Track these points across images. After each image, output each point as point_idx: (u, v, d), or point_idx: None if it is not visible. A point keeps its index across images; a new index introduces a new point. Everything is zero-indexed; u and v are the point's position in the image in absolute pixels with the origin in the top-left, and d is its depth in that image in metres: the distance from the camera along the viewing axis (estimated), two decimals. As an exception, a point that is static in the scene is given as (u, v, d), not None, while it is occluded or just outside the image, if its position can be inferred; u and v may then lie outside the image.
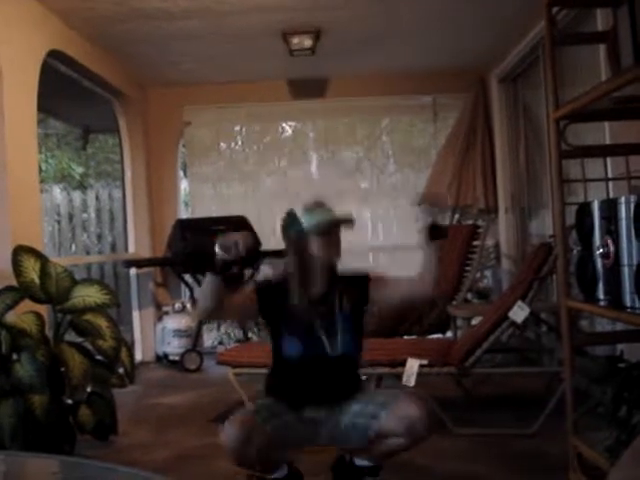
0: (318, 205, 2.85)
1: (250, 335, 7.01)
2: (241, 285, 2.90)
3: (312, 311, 2.79)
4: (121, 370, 3.90)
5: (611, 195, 3.37)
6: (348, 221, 2.87)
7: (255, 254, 2.89)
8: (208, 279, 2.66)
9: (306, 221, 2.78)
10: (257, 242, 2.73)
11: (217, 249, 2.59)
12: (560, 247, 2.94)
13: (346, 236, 2.85)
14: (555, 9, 2.94)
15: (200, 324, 5.92)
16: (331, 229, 2.80)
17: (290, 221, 2.84)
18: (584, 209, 2.74)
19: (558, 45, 3.03)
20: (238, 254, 2.58)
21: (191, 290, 6.78)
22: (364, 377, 4.52)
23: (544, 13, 2.89)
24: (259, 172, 7.17)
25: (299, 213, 2.82)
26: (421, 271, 2.81)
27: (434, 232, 2.74)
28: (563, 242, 2.91)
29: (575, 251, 2.94)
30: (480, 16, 5.20)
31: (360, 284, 2.88)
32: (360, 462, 2.87)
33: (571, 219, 2.88)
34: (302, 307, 2.78)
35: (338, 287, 2.84)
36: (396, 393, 2.85)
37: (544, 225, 5.88)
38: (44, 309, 3.87)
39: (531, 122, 6.21)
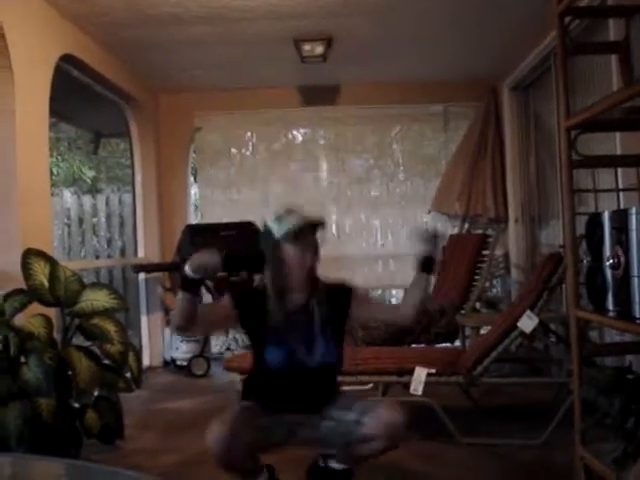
0: (288, 212, 2.83)
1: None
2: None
3: (290, 322, 2.77)
4: (128, 375, 3.90)
5: (622, 206, 3.36)
6: (319, 224, 2.84)
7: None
8: (179, 296, 2.65)
9: (277, 230, 2.77)
10: (227, 261, 2.72)
11: (187, 268, 2.59)
12: (570, 257, 2.93)
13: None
14: (567, 19, 2.93)
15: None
16: (303, 234, 2.78)
17: (263, 232, 2.84)
18: (594, 219, 2.73)
19: (570, 55, 3.03)
20: (206, 275, 2.62)
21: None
22: (370, 385, 4.54)
23: (556, 23, 2.88)
24: (269, 178, 7.17)
25: (271, 224, 2.80)
26: (407, 298, 2.85)
27: (425, 264, 2.76)
28: (573, 252, 2.90)
29: (585, 261, 2.92)
30: (492, 26, 5.20)
31: (343, 296, 2.87)
32: (335, 465, 2.88)
33: (581, 229, 2.86)
34: (280, 318, 2.77)
35: (318, 295, 2.82)
36: (372, 402, 2.89)
37: (554, 235, 5.86)
38: (52, 312, 3.87)
39: (542, 132, 6.19)
